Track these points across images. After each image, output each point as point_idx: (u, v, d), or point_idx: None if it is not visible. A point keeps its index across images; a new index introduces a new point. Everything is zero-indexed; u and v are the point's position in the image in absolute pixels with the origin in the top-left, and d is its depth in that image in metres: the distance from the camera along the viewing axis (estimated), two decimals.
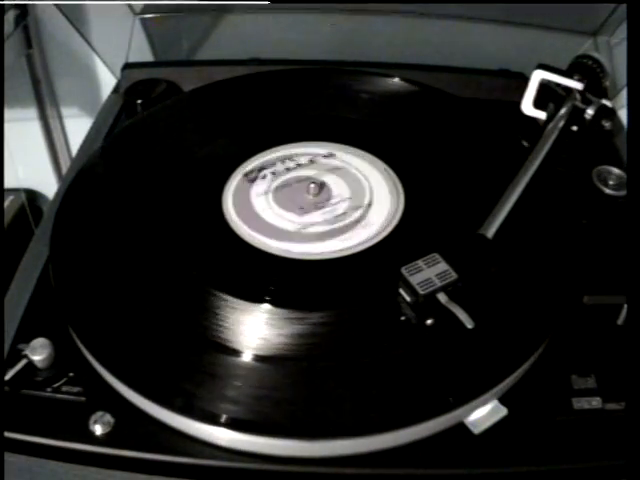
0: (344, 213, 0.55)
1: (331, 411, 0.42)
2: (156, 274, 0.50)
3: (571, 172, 0.60)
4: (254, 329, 0.46)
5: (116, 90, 0.76)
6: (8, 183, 0.83)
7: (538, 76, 0.63)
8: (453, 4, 0.76)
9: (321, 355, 0.45)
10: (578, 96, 0.62)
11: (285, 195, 0.57)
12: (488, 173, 0.58)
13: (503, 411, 0.43)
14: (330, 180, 0.58)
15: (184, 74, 0.75)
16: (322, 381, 0.43)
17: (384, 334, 0.46)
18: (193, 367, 0.44)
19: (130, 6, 0.81)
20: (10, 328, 0.48)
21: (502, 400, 0.43)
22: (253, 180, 0.58)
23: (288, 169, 0.60)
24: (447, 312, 0.45)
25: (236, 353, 0.45)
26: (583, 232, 0.55)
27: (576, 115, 0.61)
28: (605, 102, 0.61)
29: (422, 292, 0.45)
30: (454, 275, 0.46)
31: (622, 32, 0.72)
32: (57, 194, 0.61)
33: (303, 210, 0.56)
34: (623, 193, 0.58)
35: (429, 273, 0.46)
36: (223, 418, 0.41)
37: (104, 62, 0.82)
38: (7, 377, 0.44)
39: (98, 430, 0.42)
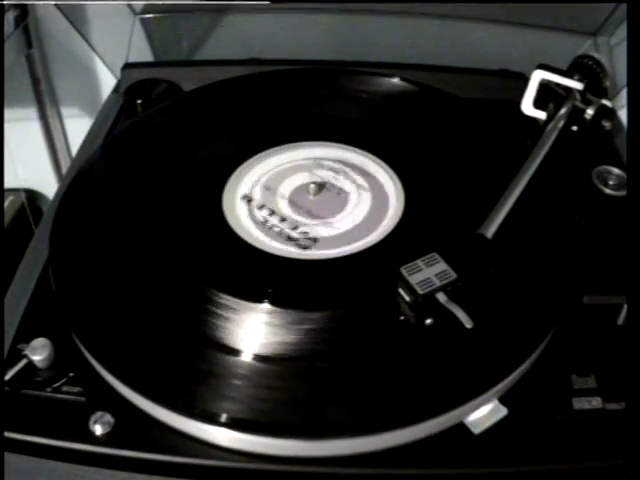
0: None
1: (331, 411, 0.42)
2: (156, 274, 0.50)
3: (571, 172, 0.60)
4: (254, 329, 0.46)
5: (116, 90, 0.76)
6: (8, 183, 0.83)
7: (538, 76, 0.63)
8: (453, 4, 0.76)
9: (321, 355, 0.45)
10: (578, 96, 0.62)
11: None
12: (488, 173, 0.58)
13: (503, 411, 0.43)
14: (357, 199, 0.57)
15: (184, 74, 0.75)
16: (322, 381, 0.43)
17: (384, 334, 0.46)
18: (193, 367, 0.44)
19: (130, 6, 0.81)
20: (10, 328, 0.48)
21: (502, 400, 0.43)
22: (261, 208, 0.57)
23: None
24: (446, 312, 0.45)
25: (236, 353, 0.45)
26: (583, 232, 0.55)
27: (576, 115, 0.61)
28: (605, 102, 0.61)
29: (421, 292, 0.45)
30: (453, 275, 0.46)
31: (622, 32, 0.72)
32: (57, 194, 0.62)
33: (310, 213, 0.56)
34: (623, 193, 0.58)
35: (428, 273, 0.46)
36: (223, 418, 0.41)
37: (104, 62, 0.82)
38: (7, 377, 0.44)
39: (98, 430, 0.42)
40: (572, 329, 0.48)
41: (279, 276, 0.50)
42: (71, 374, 0.45)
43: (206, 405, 0.42)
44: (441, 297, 0.45)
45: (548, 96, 0.63)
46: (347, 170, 0.59)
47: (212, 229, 0.54)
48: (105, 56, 0.81)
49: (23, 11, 0.80)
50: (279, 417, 0.41)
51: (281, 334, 0.45)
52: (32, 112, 0.90)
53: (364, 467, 0.41)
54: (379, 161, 0.60)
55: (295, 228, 0.54)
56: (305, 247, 0.52)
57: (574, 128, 0.61)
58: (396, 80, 0.69)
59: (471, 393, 0.42)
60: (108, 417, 0.43)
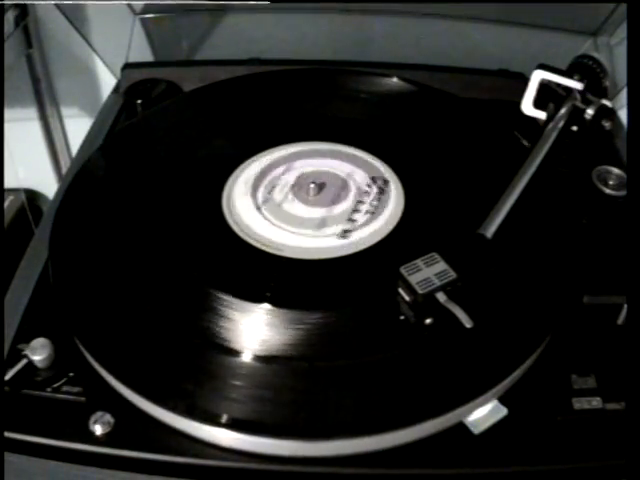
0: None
1: (331, 411, 0.42)
2: (156, 274, 0.50)
3: (571, 172, 0.60)
4: (254, 329, 0.46)
5: (116, 90, 0.76)
6: (8, 183, 0.83)
7: (538, 76, 0.63)
8: (453, 4, 0.76)
9: (321, 355, 0.45)
10: (578, 96, 0.62)
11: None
12: (488, 173, 0.58)
13: (503, 411, 0.43)
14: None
15: (184, 74, 0.75)
16: (322, 381, 0.43)
17: (384, 334, 0.46)
18: (193, 367, 0.44)
19: (130, 6, 0.81)
20: (10, 328, 0.48)
21: (502, 400, 0.43)
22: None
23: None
24: (446, 312, 0.45)
25: (236, 353, 0.45)
26: (583, 232, 0.55)
27: (576, 115, 0.61)
28: (605, 102, 0.61)
29: (421, 291, 0.45)
30: (453, 274, 0.46)
31: (622, 32, 0.72)
32: (57, 194, 0.61)
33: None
34: (623, 193, 0.58)
35: (428, 272, 0.46)
36: (223, 418, 0.41)
37: (104, 62, 0.82)
38: (7, 377, 0.44)
39: (98, 430, 0.42)
40: (572, 329, 0.48)
41: (279, 276, 0.50)
42: (71, 374, 0.45)
43: (206, 405, 0.42)
44: (441, 297, 0.45)
45: (548, 96, 0.63)
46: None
47: (212, 229, 0.54)
48: (105, 56, 0.81)
49: (23, 11, 0.80)
50: (279, 417, 0.41)
51: (281, 334, 0.45)
52: (32, 112, 0.90)
53: (364, 467, 0.41)
54: (379, 161, 0.60)
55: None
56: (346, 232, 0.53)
57: (574, 128, 0.61)
58: (395, 80, 0.69)
59: (471, 393, 0.42)
60: (108, 417, 0.43)
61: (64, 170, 0.94)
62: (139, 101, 0.71)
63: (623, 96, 0.69)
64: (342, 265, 0.51)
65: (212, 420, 0.41)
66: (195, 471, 0.41)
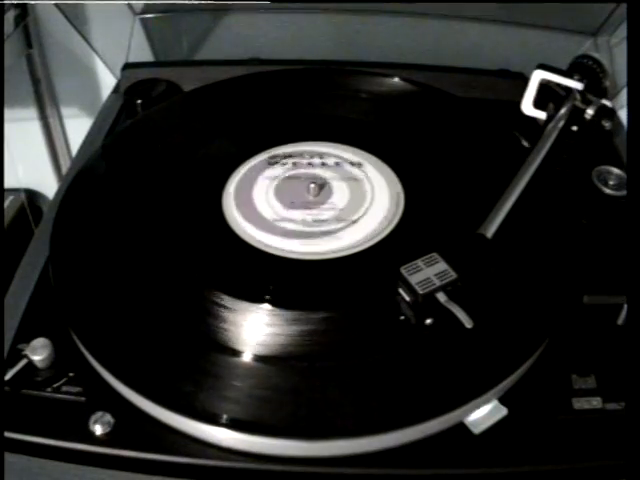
0: (324, 220, 0.55)
1: (331, 411, 0.42)
2: (156, 274, 0.50)
3: (571, 172, 0.60)
4: (254, 329, 0.46)
5: (116, 90, 0.76)
6: (8, 183, 0.83)
7: (538, 76, 0.63)
8: (453, 4, 0.76)
9: (321, 355, 0.45)
10: (578, 96, 0.62)
11: (288, 186, 0.58)
12: (488, 173, 0.58)
13: (503, 411, 0.43)
14: (337, 186, 0.58)
15: (184, 74, 0.75)
16: (322, 381, 0.43)
17: (384, 334, 0.46)
18: (193, 367, 0.44)
19: (130, 6, 0.81)
20: (10, 328, 0.48)
21: (502, 400, 0.43)
22: (273, 164, 0.59)
23: (310, 164, 0.60)
24: (446, 312, 0.45)
25: (236, 353, 0.45)
26: (583, 232, 0.55)
27: (576, 115, 0.61)
28: (605, 102, 0.61)
29: (421, 292, 0.45)
30: (453, 275, 0.46)
31: (622, 32, 0.72)
32: (57, 194, 0.61)
33: (292, 205, 0.56)
34: (623, 193, 0.58)
35: (428, 273, 0.46)
36: (223, 418, 0.41)
37: (104, 62, 0.82)
38: (7, 377, 0.44)
39: (98, 430, 0.42)
40: (572, 329, 0.48)
41: (279, 276, 0.50)
42: (71, 374, 0.45)
43: (206, 405, 0.42)
44: (441, 297, 0.45)
45: (548, 96, 0.63)
46: (363, 182, 0.59)
47: (212, 229, 0.54)
48: (105, 56, 0.81)
49: (23, 11, 0.81)
50: (279, 417, 0.41)
51: (281, 334, 0.45)
52: (32, 112, 0.90)
53: (364, 467, 0.41)
54: (379, 161, 0.60)
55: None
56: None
57: (574, 128, 0.61)
58: (396, 80, 0.69)
59: (471, 393, 0.42)
60: (108, 417, 0.43)
61: (64, 170, 0.94)
62: (139, 101, 0.71)
63: (623, 96, 0.69)
64: (342, 265, 0.51)
65: (212, 420, 0.41)
66: (195, 471, 0.41)
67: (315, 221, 0.55)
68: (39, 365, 0.45)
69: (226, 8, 0.82)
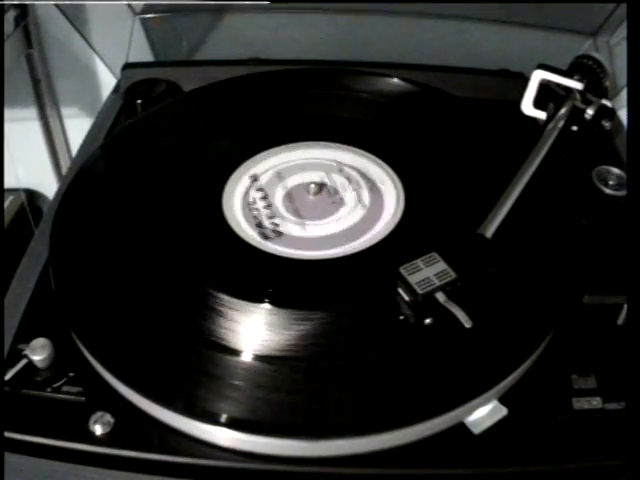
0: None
1: (331, 411, 0.42)
2: (156, 274, 0.50)
3: (571, 172, 0.60)
4: (254, 329, 0.46)
5: (116, 90, 0.76)
6: (8, 183, 0.83)
7: (538, 76, 0.63)
8: (453, 4, 0.76)
9: (321, 355, 0.45)
10: (578, 96, 0.62)
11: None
12: (488, 173, 0.58)
13: (503, 411, 0.43)
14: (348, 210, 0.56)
15: (184, 74, 0.75)
16: (322, 381, 0.43)
17: (384, 334, 0.46)
18: (193, 367, 0.44)
19: (130, 6, 0.81)
20: (10, 328, 0.48)
21: (502, 400, 0.43)
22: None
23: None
24: (446, 312, 0.45)
25: (236, 353, 0.45)
26: (583, 232, 0.55)
27: (576, 115, 0.61)
28: (605, 102, 0.61)
29: (421, 291, 0.45)
30: (453, 274, 0.46)
31: (622, 32, 0.72)
32: (57, 194, 0.61)
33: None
34: (623, 193, 0.58)
35: (428, 272, 0.46)
36: (223, 418, 0.41)
37: (104, 62, 0.82)
38: (7, 377, 0.44)
39: (98, 430, 0.42)
40: (572, 329, 0.48)
41: (279, 276, 0.50)
42: (71, 374, 0.45)
43: (206, 405, 0.42)
44: (440, 297, 0.45)
45: (548, 96, 0.63)
46: (359, 180, 0.59)
47: (212, 229, 0.54)
48: (105, 56, 0.81)
49: (23, 11, 0.81)
50: (279, 417, 0.41)
51: (281, 334, 0.45)
52: (32, 112, 0.90)
53: (364, 467, 0.41)
54: (379, 161, 0.60)
55: (271, 217, 0.55)
56: (266, 237, 0.53)
57: (574, 128, 0.61)
58: (396, 80, 0.69)
59: (471, 393, 0.42)
60: (108, 417, 0.43)
61: (64, 170, 0.94)
62: (139, 101, 0.71)
63: (623, 96, 0.69)
64: (342, 265, 0.51)
65: (212, 420, 0.41)
66: (195, 471, 0.41)
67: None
68: (39, 365, 0.45)
69: (226, 8, 0.82)
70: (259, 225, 0.54)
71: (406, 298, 0.46)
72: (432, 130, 0.64)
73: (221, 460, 0.41)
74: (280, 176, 0.59)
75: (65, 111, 0.93)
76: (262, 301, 0.47)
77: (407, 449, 0.41)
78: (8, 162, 0.76)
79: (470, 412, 0.42)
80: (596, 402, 0.44)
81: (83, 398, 0.44)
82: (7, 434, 0.42)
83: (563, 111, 0.61)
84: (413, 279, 0.46)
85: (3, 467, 0.41)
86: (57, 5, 0.75)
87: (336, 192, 0.58)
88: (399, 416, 0.41)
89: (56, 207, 0.56)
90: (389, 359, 0.44)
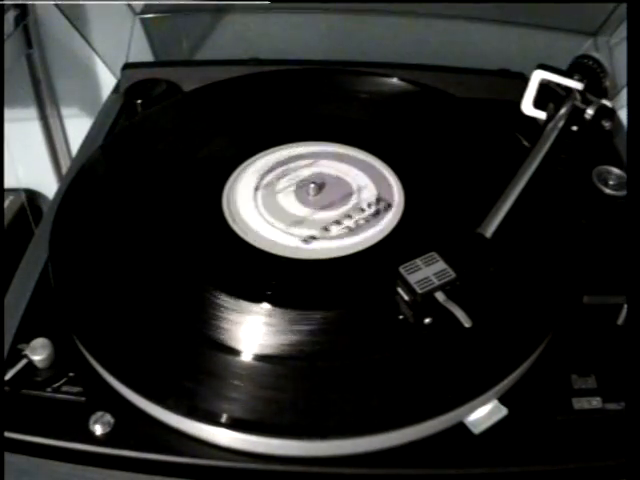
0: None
1: (331, 411, 0.42)
2: (156, 274, 0.50)
3: (571, 172, 0.60)
4: (254, 329, 0.46)
5: (116, 90, 0.76)
6: (8, 183, 0.83)
7: (538, 76, 0.63)
8: (453, 4, 0.76)
9: (321, 355, 0.45)
10: (578, 96, 0.62)
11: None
12: (487, 173, 0.58)
13: (503, 411, 0.43)
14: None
15: (184, 74, 0.75)
16: (322, 381, 0.43)
17: (383, 334, 0.46)
18: (193, 367, 0.44)
19: (130, 6, 0.81)
20: (10, 328, 0.48)
21: (502, 400, 0.43)
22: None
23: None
24: (445, 311, 0.45)
25: (236, 353, 0.45)
26: (583, 232, 0.55)
27: (576, 115, 0.61)
28: (605, 102, 0.61)
29: (420, 291, 0.45)
30: (452, 274, 0.46)
31: (622, 32, 0.72)
32: (57, 194, 0.61)
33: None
34: (623, 193, 0.58)
35: (427, 272, 0.46)
36: (223, 418, 0.41)
37: (104, 62, 0.82)
38: (7, 377, 0.44)
39: (98, 430, 0.42)
40: (572, 329, 0.48)
41: (279, 276, 0.50)
42: (71, 374, 0.45)
43: (206, 405, 0.42)
44: (440, 296, 0.45)
45: (548, 96, 0.63)
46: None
47: (212, 229, 0.54)
48: (105, 56, 0.81)
49: (23, 11, 0.81)
50: (279, 417, 0.41)
51: (281, 334, 0.45)
52: (32, 112, 0.90)
53: (364, 467, 0.41)
54: (378, 161, 0.60)
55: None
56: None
57: (574, 128, 0.61)
58: (396, 80, 0.69)
59: (471, 393, 0.42)
60: (108, 417, 0.43)
61: (64, 170, 0.94)
62: (139, 101, 0.71)
63: (623, 96, 0.69)
64: (342, 265, 0.51)
65: (212, 420, 0.41)
66: (195, 471, 0.41)
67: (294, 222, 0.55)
68: (39, 365, 0.45)
69: (226, 8, 0.82)
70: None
71: (405, 298, 0.46)
72: (432, 130, 0.64)
73: (221, 460, 0.41)
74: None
75: (65, 111, 0.93)
76: (262, 301, 0.47)
77: (407, 449, 0.41)
78: (8, 162, 0.76)
79: (470, 412, 0.42)
80: (596, 402, 0.44)
81: (83, 398, 0.44)
82: (7, 434, 0.42)
83: (563, 111, 0.61)
84: (412, 279, 0.46)
85: (3, 467, 0.41)
86: (57, 5, 0.75)
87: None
88: (399, 416, 0.41)
89: (56, 207, 0.56)
90: (389, 359, 0.44)
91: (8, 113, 0.77)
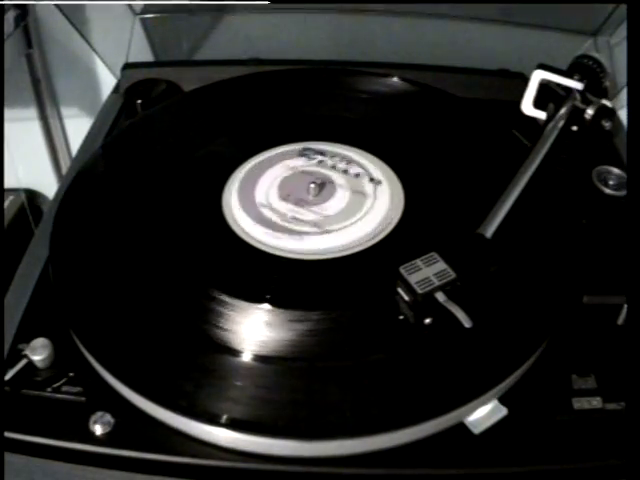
0: (302, 221, 0.54)
1: (331, 411, 0.42)
2: (156, 274, 0.50)
3: (571, 172, 0.60)
4: (254, 329, 0.46)
5: (116, 90, 0.76)
6: (8, 183, 0.83)
7: (538, 76, 0.63)
8: (453, 4, 0.76)
9: (321, 355, 0.45)
10: (578, 96, 0.62)
11: (297, 179, 0.58)
12: (487, 173, 0.58)
13: (503, 411, 0.43)
14: (341, 195, 0.57)
15: (184, 74, 0.75)
16: (322, 381, 0.43)
17: (383, 334, 0.46)
18: (193, 367, 0.44)
19: (130, 6, 0.81)
20: (10, 328, 0.48)
21: (502, 400, 0.43)
22: (303, 155, 0.60)
23: (334, 167, 0.59)
24: (445, 311, 0.45)
25: (236, 353, 0.45)
26: (583, 232, 0.55)
27: (576, 115, 0.61)
28: (605, 102, 0.61)
29: (420, 291, 0.45)
30: (452, 274, 0.46)
31: (622, 32, 0.72)
32: (57, 194, 0.62)
33: (287, 197, 0.57)
34: (623, 193, 0.58)
35: (427, 272, 0.46)
36: (223, 418, 0.41)
37: (104, 62, 0.82)
38: (7, 377, 0.44)
39: (98, 430, 0.42)
40: (572, 329, 0.48)
41: (279, 276, 0.50)
42: (71, 374, 0.45)
43: (206, 405, 0.42)
44: (440, 296, 0.45)
45: (548, 96, 0.63)
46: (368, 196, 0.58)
47: (212, 229, 0.54)
48: (105, 56, 0.81)
49: (23, 11, 0.80)
50: (279, 417, 0.41)
51: (281, 334, 0.45)
52: (32, 112, 0.90)
53: (364, 467, 0.41)
54: (379, 161, 0.60)
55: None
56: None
57: (574, 128, 0.61)
58: (396, 80, 0.69)
59: (471, 393, 0.42)
60: (108, 417, 0.43)
61: (64, 170, 0.94)
62: (139, 101, 0.71)
63: (623, 96, 0.69)
64: (342, 265, 0.51)
65: (212, 420, 0.41)
66: (195, 471, 0.41)
67: (293, 218, 0.54)
68: (39, 365, 0.45)
69: (226, 8, 0.82)
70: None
71: (406, 298, 0.46)
72: (432, 130, 0.64)
73: (221, 460, 0.41)
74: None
75: (65, 111, 0.93)
76: (262, 301, 0.47)
77: (407, 449, 0.41)
78: (8, 162, 0.76)
79: (470, 412, 0.42)
80: (596, 402, 0.44)
81: (83, 398, 0.44)
82: (7, 434, 0.42)
83: (563, 111, 0.61)
84: (413, 279, 0.46)
85: (3, 467, 0.41)
86: (57, 5, 0.75)
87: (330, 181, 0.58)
88: (399, 416, 0.41)
89: (56, 207, 0.56)
90: (389, 359, 0.44)
91: (8, 113, 0.77)
